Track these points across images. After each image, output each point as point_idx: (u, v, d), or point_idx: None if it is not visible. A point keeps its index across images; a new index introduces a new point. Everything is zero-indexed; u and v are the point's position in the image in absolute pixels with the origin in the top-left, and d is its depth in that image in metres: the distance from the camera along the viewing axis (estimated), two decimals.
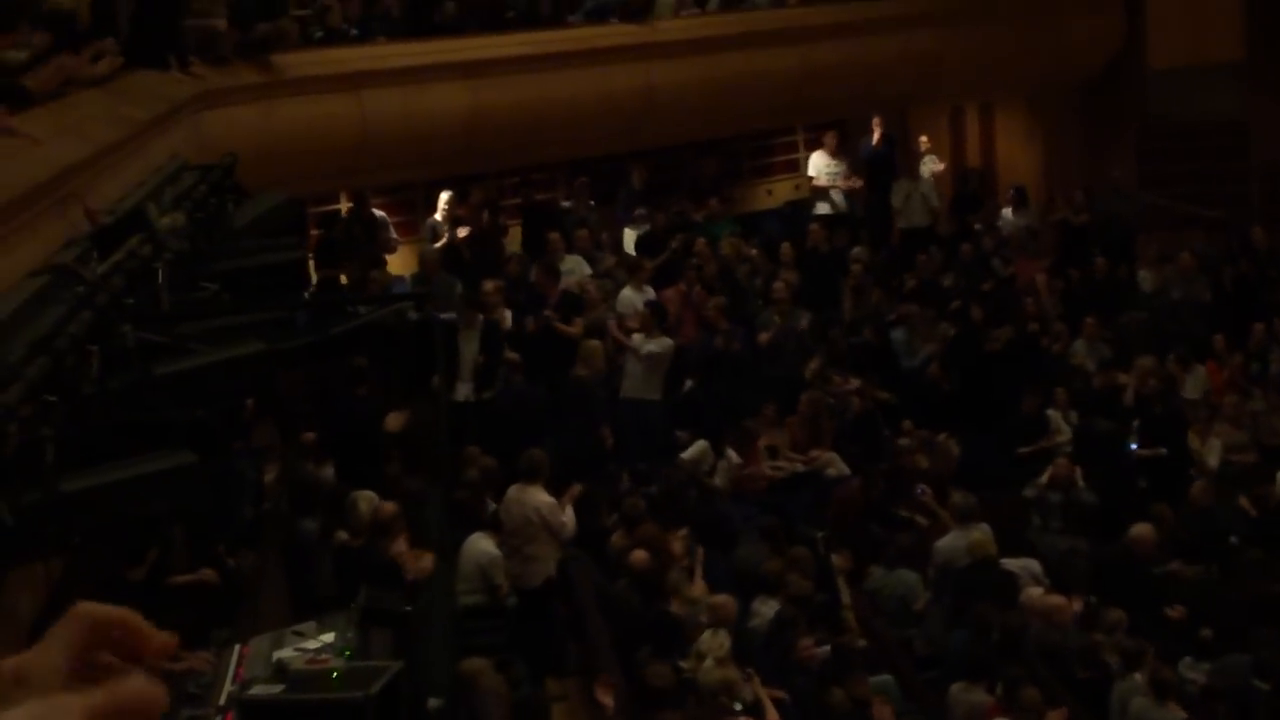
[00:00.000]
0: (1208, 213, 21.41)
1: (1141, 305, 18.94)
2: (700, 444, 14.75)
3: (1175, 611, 12.89)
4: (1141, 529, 13.53)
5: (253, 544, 12.06)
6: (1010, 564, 13.14)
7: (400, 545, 11.66)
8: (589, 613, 12.17)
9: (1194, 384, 16.85)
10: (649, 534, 12.63)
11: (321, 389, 14.17)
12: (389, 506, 11.40)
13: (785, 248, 18.53)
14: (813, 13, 19.79)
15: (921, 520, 14.12)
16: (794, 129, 21.66)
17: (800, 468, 15.08)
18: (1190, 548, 13.98)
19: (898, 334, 17.52)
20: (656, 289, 16.79)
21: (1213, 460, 15.98)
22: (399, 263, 17.64)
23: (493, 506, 12.79)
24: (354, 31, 16.49)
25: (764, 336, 16.67)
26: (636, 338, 15.54)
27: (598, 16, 18.29)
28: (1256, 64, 22.54)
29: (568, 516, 12.71)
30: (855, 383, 16.17)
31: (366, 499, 11.88)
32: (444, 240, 17.37)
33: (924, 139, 21.05)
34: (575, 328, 15.78)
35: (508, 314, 15.90)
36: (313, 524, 12.18)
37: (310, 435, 13.13)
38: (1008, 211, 21.10)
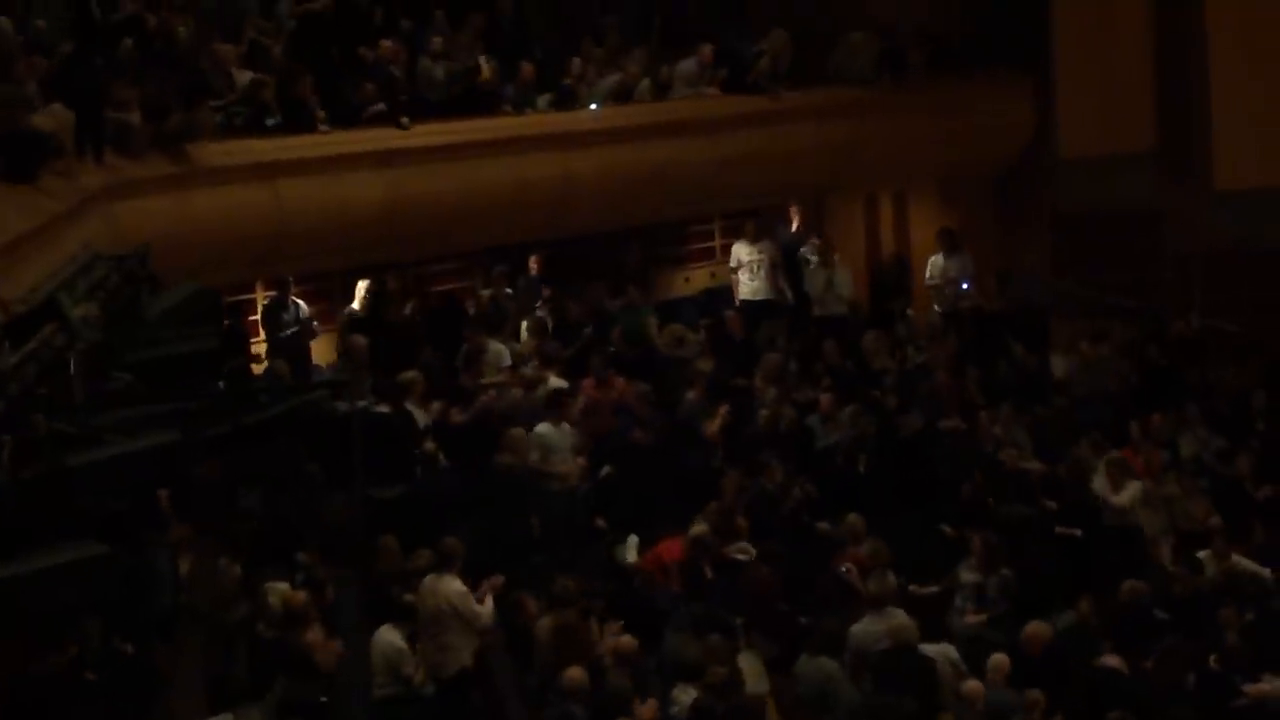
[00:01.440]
0: (1121, 301, 21.63)
1: (1055, 392, 19.06)
2: (632, 539, 14.77)
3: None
4: (1036, 628, 13.53)
5: (167, 636, 11.93)
6: (928, 649, 13.14)
7: (314, 634, 11.59)
8: (508, 701, 12.12)
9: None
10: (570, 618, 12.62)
11: (236, 478, 14.05)
12: (300, 596, 11.33)
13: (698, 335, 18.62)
14: (728, 102, 19.94)
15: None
16: (710, 217, 21.76)
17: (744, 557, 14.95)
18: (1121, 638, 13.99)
19: (813, 420, 17.57)
20: (569, 377, 16.82)
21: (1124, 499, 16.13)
22: (316, 351, 17.57)
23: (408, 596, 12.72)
24: (272, 121, 16.46)
25: (712, 427, 16.65)
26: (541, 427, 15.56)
27: (523, 106, 18.37)
28: (1168, 152, 22.85)
29: (486, 606, 12.65)
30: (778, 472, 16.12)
31: (278, 590, 11.80)
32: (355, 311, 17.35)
33: (814, 240, 21.17)
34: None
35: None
36: (228, 615, 12.07)
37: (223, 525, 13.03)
38: (938, 258, 21.23)
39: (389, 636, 12.21)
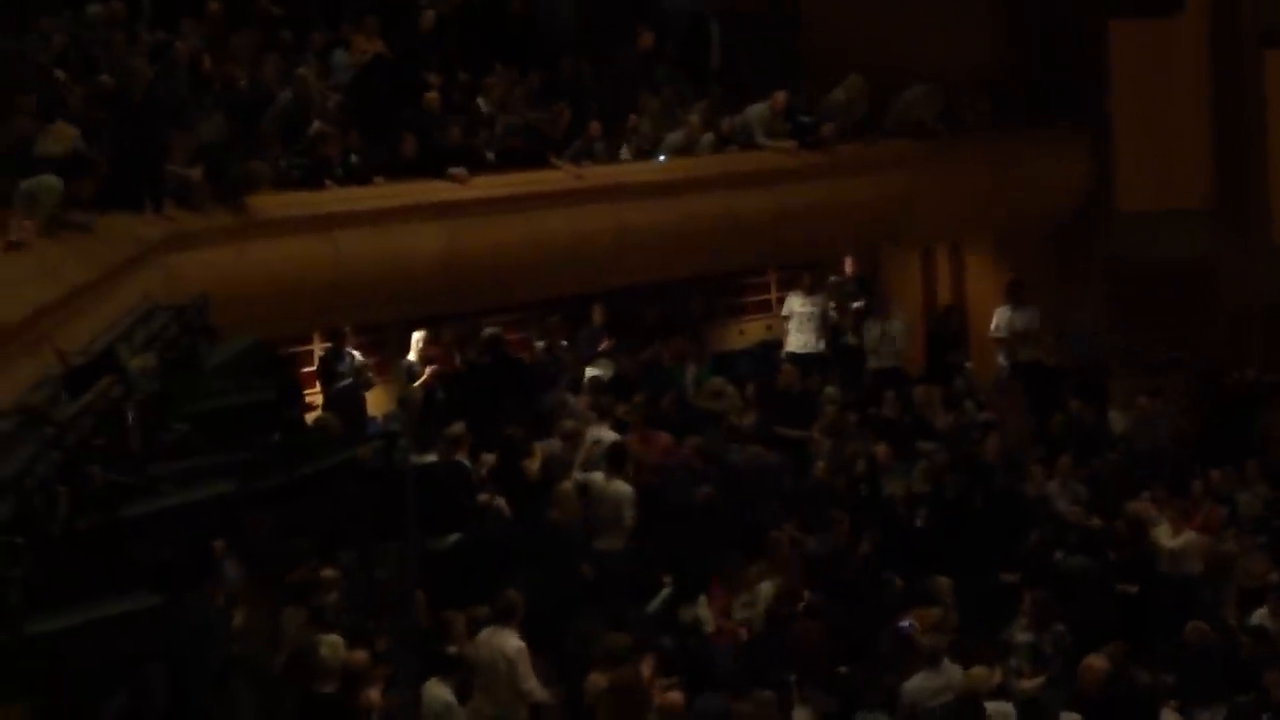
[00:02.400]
0: (1176, 355, 21.52)
1: (1113, 447, 18.96)
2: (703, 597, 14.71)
3: None
4: (1093, 660, 13.44)
5: (222, 688, 11.93)
6: (989, 707, 13.03)
7: (373, 694, 11.57)
8: None
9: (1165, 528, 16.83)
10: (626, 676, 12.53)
11: (291, 529, 14.08)
12: (361, 655, 11.30)
13: (749, 388, 18.56)
14: (786, 155, 19.94)
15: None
16: (766, 269, 21.76)
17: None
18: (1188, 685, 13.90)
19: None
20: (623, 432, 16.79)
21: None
22: (372, 402, 17.61)
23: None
24: (339, 171, 16.53)
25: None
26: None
27: (582, 157, 18.42)
28: (1224, 207, 22.78)
29: (535, 684, 12.50)
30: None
31: (330, 644, 11.76)
32: (422, 379, 17.38)
33: (856, 304, 21.18)
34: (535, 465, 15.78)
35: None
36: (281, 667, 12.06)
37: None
38: (1004, 310, 21.16)
39: (437, 691, 12.15)
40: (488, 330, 17.82)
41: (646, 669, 12.69)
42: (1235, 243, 22.64)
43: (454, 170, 17.20)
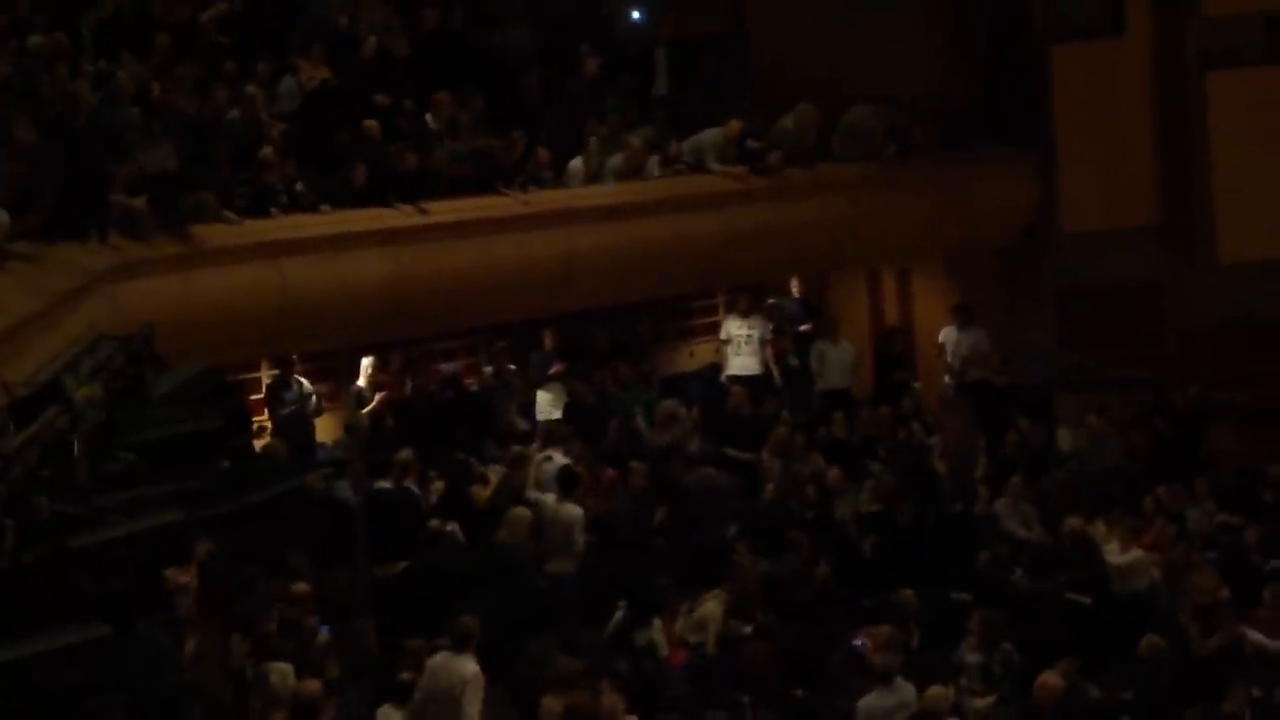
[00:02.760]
0: (1124, 374, 21.65)
1: (1061, 465, 19.05)
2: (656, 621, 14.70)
3: None
4: (1047, 677, 13.49)
5: (173, 717, 11.88)
6: None
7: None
8: None
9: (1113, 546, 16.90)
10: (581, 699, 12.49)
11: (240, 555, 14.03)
12: (313, 685, 11.25)
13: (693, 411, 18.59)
14: (732, 179, 19.99)
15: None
16: (715, 291, 21.81)
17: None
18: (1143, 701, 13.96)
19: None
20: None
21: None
22: (321, 429, 17.58)
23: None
24: (284, 198, 16.49)
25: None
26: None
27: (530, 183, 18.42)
28: (1170, 226, 22.95)
29: (475, 712, 12.41)
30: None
31: (280, 671, 11.71)
32: (371, 405, 17.39)
33: (803, 327, 21.26)
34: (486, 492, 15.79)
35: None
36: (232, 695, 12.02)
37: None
38: (952, 330, 21.25)
39: (391, 717, 12.12)
40: (447, 367, 17.86)
41: (608, 694, 12.66)
42: (1182, 262, 22.80)
43: (391, 199, 17.14)
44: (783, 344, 20.71)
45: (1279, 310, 21.97)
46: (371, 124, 17.51)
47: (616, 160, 19.28)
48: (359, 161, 17.08)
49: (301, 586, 13.14)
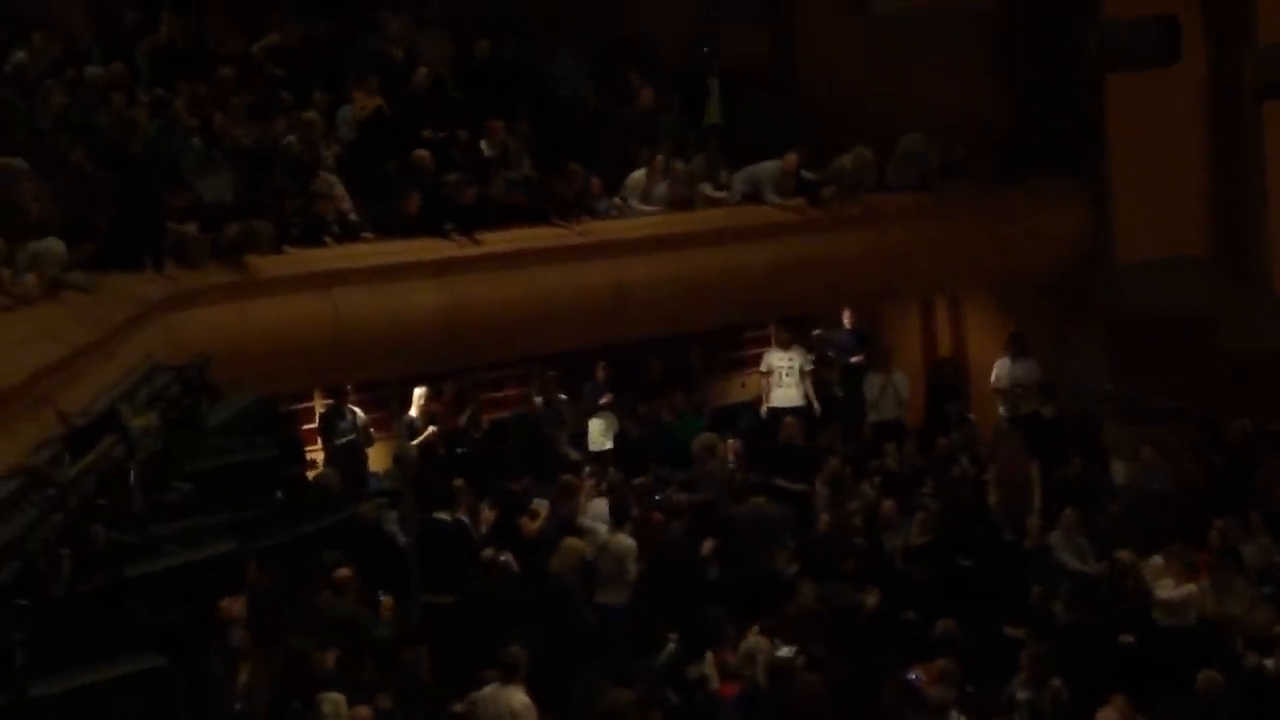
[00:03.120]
0: (1176, 405, 21.52)
1: (1114, 498, 18.95)
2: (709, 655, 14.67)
3: None
4: (1105, 714, 13.39)
5: None
6: None
7: None
8: None
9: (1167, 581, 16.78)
10: None
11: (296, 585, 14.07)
12: (364, 712, 11.25)
13: (733, 444, 18.55)
14: (783, 210, 19.96)
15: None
16: (767, 322, 21.77)
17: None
18: None
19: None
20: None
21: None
22: (374, 459, 17.62)
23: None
24: (336, 228, 16.53)
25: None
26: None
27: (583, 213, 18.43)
28: (1224, 257, 22.84)
29: None
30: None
31: (333, 702, 11.72)
32: (423, 436, 17.42)
33: (855, 358, 21.24)
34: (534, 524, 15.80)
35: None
36: None
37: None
38: (1005, 362, 21.17)
39: None
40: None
41: None
42: (1236, 293, 22.67)
43: (446, 229, 17.16)
44: (827, 374, 20.68)
45: None
46: (423, 154, 17.55)
47: (662, 188, 19.26)
48: (413, 190, 17.11)
49: (344, 572, 13.14)
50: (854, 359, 21.54)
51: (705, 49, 21.45)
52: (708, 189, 19.60)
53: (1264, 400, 21.78)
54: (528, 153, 18.81)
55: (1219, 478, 19.49)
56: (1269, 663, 15.29)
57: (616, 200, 18.93)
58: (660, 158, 19.29)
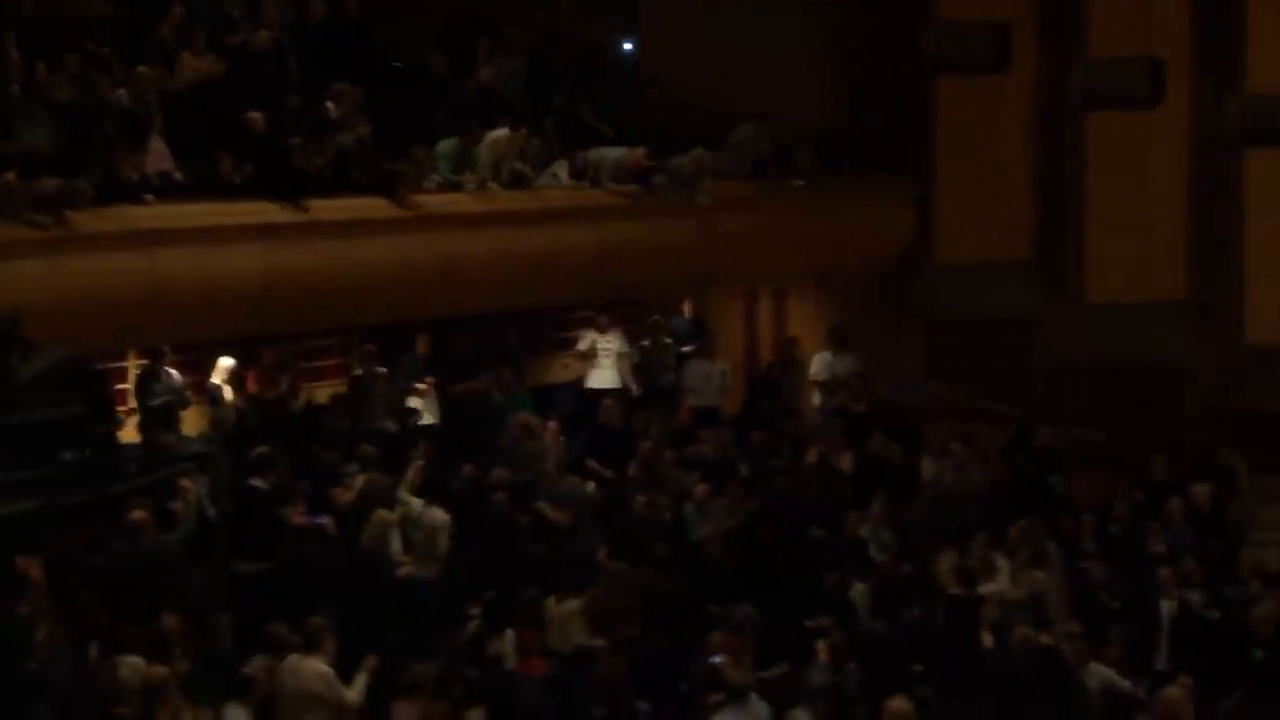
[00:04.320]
0: (990, 405, 21.90)
1: (922, 492, 19.24)
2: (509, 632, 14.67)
3: None
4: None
5: (23, 706, 11.75)
6: None
7: (172, 713, 11.43)
8: None
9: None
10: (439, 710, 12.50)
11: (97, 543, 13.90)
12: (159, 671, 11.17)
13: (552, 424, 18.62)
14: (611, 193, 20.04)
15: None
16: (594, 304, 21.83)
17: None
18: None
19: (688, 509, 17.65)
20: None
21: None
22: (188, 423, 17.43)
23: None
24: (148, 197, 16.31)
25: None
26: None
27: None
28: (1043, 263, 23.26)
29: (355, 688, 12.51)
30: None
31: (130, 665, 11.60)
32: (228, 403, 17.25)
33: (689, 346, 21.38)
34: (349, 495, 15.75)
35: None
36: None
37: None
38: (825, 355, 21.40)
39: (237, 714, 12.04)
40: None
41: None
42: (1052, 298, 23.11)
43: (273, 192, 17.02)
44: (657, 359, 20.78)
45: (1143, 353, 22.34)
46: (255, 116, 17.39)
47: (495, 164, 19.19)
48: (237, 153, 16.95)
49: (139, 514, 12.95)
50: (684, 348, 21.62)
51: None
52: (525, 168, 19.61)
53: (1074, 405, 22.24)
54: (363, 121, 18.68)
55: (1024, 479, 19.84)
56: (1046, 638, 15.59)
57: (444, 175, 18.88)
58: (495, 133, 19.25)
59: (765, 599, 16.16)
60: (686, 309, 21.82)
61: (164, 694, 11.38)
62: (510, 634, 14.53)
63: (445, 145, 19.00)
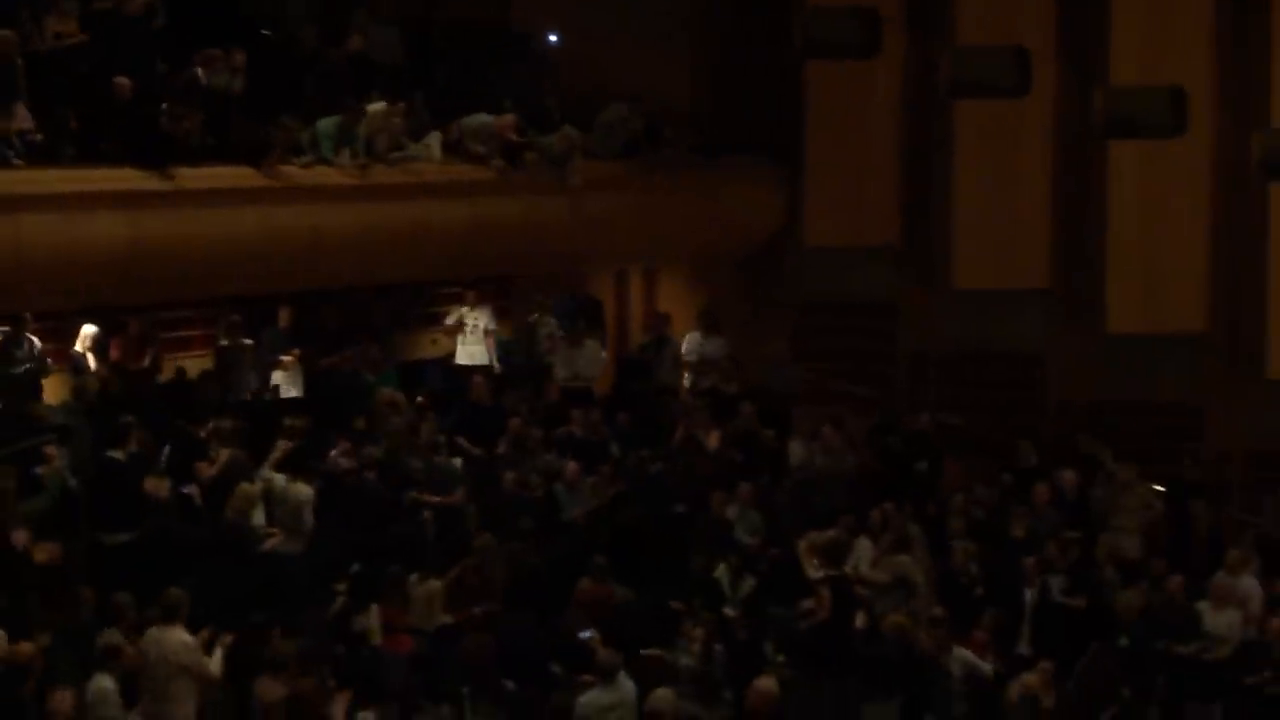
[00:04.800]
0: (855, 390, 22.04)
1: (790, 475, 19.34)
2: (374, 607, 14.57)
3: None
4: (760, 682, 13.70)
5: None
6: None
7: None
8: None
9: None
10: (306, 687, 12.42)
11: None
12: (27, 647, 11.01)
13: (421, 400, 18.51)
14: (484, 169, 19.94)
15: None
16: (463, 281, 21.71)
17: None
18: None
19: (558, 488, 17.64)
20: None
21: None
22: (49, 391, 17.14)
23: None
24: (16, 160, 15.99)
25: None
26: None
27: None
28: (909, 249, 23.44)
29: (215, 659, 12.40)
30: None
31: None
32: (93, 373, 17.00)
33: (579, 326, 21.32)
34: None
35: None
36: None
37: None
38: (695, 336, 21.41)
39: (103, 684, 11.89)
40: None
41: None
42: (918, 284, 23.29)
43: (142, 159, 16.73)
44: (527, 340, 20.73)
45: (1006, 339, 22.59)
46: (123, 81, 17.09)
47: (366, 137, 19.02)
48: (103, 119, 16.66)
49: None
50: (579, 325, 21.52)
51: None
52: (409, 143, 19.45)
53: (936, 392, 22.42)
54: (235, 89, 18.42)
55: (892, 463, 19.97)
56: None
57: (313, 147, 18.65)
58: (367, 106, 19.06)
59: (631, 579, 16.22)
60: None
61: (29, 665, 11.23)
62: (375, 609, 14.44)
63: (325, 123, 18.74)
